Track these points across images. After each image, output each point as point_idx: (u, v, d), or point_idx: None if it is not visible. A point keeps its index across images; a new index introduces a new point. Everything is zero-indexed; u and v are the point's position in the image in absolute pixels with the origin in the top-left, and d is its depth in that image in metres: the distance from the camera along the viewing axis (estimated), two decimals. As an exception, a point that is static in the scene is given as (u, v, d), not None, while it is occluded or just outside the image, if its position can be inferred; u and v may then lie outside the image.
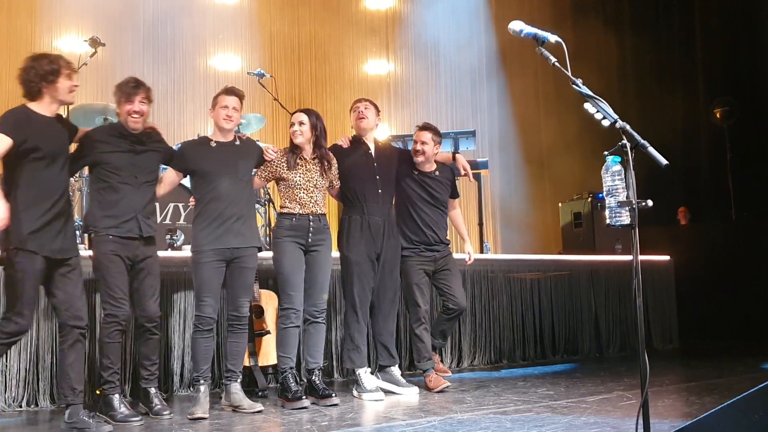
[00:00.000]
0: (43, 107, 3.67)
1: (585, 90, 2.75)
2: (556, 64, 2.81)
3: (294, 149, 4.42)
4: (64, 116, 4.07)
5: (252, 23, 9.27)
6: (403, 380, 4.71)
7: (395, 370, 4.74)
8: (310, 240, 4.36)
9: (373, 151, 4.77)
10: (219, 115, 4.23)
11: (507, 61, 10.20)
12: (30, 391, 4.30)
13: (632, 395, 4.33)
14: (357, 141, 4.80)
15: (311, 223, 4.36)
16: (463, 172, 5.08)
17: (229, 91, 4.27)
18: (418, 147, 4.90)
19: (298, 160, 4.39)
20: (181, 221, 5.51)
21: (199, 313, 4.12)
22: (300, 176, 4.37)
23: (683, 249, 7.85)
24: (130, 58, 8.24)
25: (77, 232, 4.04)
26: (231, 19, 9.20)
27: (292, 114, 4.51)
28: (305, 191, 4.37)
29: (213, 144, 4.26)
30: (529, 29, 2.91)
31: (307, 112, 4.47)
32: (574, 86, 2.76)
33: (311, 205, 4.38)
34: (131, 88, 3.94)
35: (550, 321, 6.58)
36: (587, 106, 2.76)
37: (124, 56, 8.17)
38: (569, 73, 2.77)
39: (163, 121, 7.82)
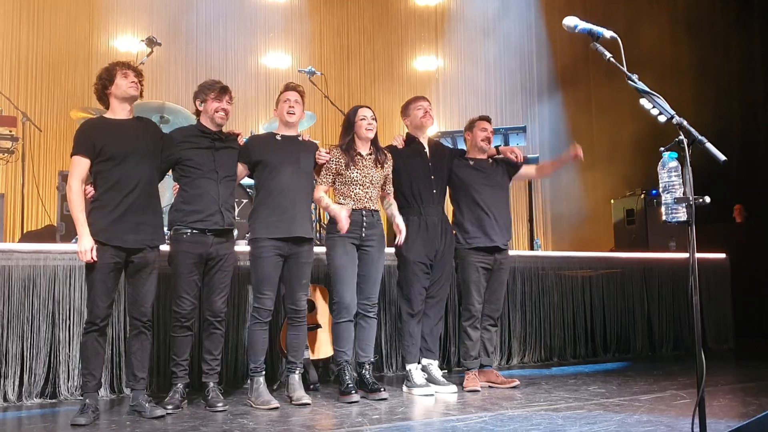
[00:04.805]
0: (115, 111, 3.95)
1: (641, 86, 2.72)
2: (612, 59, 2.79)
3: (351, 146, 4.46)
4: (146, 118, 4.21)
5: (302, 21, 9.37)
6: (441, 378, 4.69)
7: (434, 369, 4.73)
8: (363, 234, 4.40)
9: (427, 150, 4.79)
10: (283, 110, 4.40)
11: (558, 57, 10.09)
12: (91, 380, 4.44)
13: (686, 394, 4.26)
14: (412, 140, 4.80)
15: (364, 218, 4.40)
16: (513, 156, 4.99)
17: (289, 86, 4.47)
18: (488, 134, 4.91)
19: (356, 157, 4.43)
20: (235, 216, 5.59)
21: (259, 305, 4.21)
22: (357, 172, 4.41)
23: (739, 247, 7.66)
24: (184, 57, 8.44)
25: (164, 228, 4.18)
26: (281, 18, 9.33)
27: (356, 109, 4.55)
28: (361, 186, 4.41)
29: (278, 137, 4.39)
30: (583, 25, 2.88)
31: (370, 108, 4.57)
32: (629, 82, 2.73)
33: (365, 200, 4.42)
34: (220, 89, 4.19)
35: (602, 319, 6.51)
36: (643, 102, 2.73)
37: (179, 55, 8.38)
38: (625, 69, 2.74)
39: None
